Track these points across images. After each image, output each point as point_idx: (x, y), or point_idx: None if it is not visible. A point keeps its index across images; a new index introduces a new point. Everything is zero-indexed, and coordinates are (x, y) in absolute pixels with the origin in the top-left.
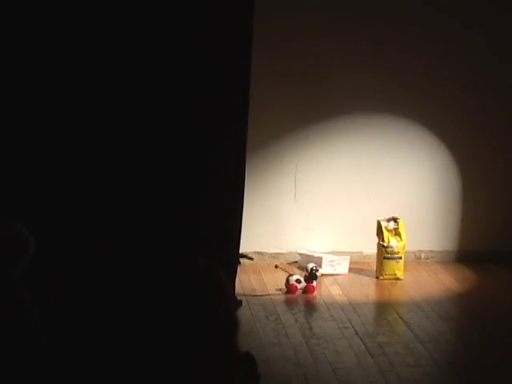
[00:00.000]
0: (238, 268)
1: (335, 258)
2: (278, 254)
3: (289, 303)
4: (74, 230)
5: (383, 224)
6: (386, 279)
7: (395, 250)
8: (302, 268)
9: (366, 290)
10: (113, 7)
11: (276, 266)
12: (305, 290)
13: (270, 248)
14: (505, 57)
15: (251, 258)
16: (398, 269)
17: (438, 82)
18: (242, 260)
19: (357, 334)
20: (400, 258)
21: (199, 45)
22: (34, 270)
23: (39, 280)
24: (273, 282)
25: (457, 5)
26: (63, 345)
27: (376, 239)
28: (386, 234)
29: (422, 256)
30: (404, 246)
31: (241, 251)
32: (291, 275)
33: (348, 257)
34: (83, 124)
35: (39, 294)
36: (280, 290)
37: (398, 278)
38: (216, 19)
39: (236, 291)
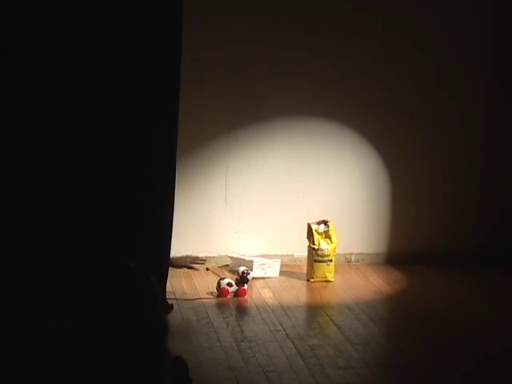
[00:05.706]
0: (170, 272)
1: (266, 261)
2: (209, 257)
3: (220, 307)
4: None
5: (314, 227)
6: (316, 282)
7: (326, 252)
8: (233, 271)
9: (296, 293)
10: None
11: (207, 269)
12: (236, 294)
13: (201, 252)
14: (435, 60)
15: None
16: (328, 271)
17: (369, 86)
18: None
19: (288, 336)
20: (330, 260)
21: (125, 47)
22: None
23: None
24: (204, 286)
25: (389, 6)
26: None
27: (307, 242)
28: (316, 236)
29: (353, 258)
30: (334, 248)
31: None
32: (222, 279)
33: (279, 260)
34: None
35: None
36: (211, 293)
37: (328, 281)
38: (144, 20)
39: (167, 295)
